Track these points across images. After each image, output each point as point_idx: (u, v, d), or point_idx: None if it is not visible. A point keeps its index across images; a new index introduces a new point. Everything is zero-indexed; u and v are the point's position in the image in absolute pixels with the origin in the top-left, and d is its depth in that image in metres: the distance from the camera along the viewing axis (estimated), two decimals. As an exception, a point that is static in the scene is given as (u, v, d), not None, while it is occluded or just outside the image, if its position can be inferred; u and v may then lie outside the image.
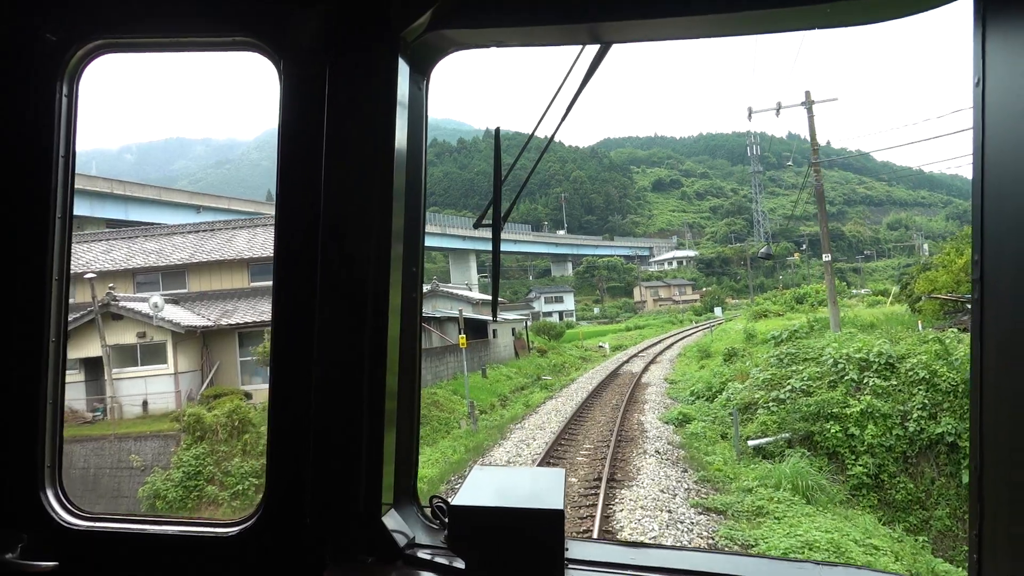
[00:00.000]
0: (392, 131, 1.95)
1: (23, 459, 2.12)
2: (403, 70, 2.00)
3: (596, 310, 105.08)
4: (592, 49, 1.97)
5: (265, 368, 23.64)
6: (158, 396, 23.91)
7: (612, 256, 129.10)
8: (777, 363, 20.61)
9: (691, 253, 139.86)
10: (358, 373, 1.95)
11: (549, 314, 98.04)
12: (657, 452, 15.90)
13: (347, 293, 1.96)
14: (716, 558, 1.97)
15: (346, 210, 1.97)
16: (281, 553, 2.01)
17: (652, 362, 37.87)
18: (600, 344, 50.10)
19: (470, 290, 48.41)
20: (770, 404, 18.68)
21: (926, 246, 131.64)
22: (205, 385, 25.18)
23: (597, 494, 12.33)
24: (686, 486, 13.16)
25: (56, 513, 2.13)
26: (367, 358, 1.95)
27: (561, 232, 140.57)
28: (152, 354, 24.50)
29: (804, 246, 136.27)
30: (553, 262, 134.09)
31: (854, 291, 72.54)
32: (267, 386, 2.12)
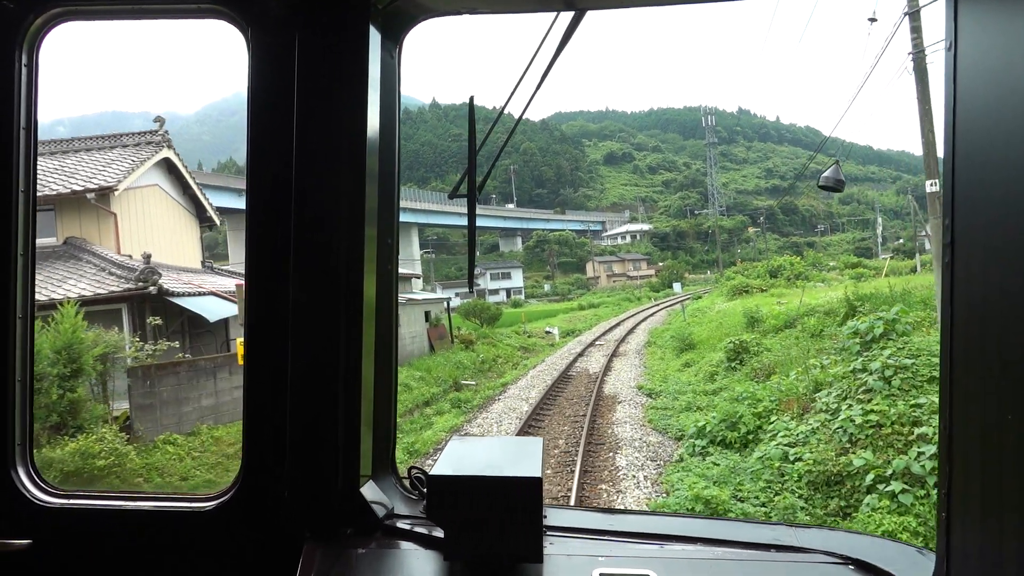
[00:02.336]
0: (364, 100, 1.88)
1: None
2: (374, 38, 1.93)
3: (547, 287, 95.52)
4: (566, 17, 1.87)
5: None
6: None
7: (563, 230, 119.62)
8: (882, 386, 10.20)
9: (645, 227, 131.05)
10: (334, 345, 1.89)
11: (496, 291, 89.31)
12: None
13: (321, 265, 1.89)
14: (692, 522, 2.00)
15: (318, 182, 1.89)
16: (259, 526, 1.98)
17: (615, 355, 27.53)
18: (548, 329, 39.39)
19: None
20: (892, 483, 8.34)
21: (880, 219, 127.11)
22: None
23: None
24: None
25: (28, 491, 2.07)
26: (343, 329, 1.90)
27: (510, 206, 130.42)
28: None
29: (761, 219, 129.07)
30: (501, 237, 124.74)
31: (831, 263, 63.50)
32: None
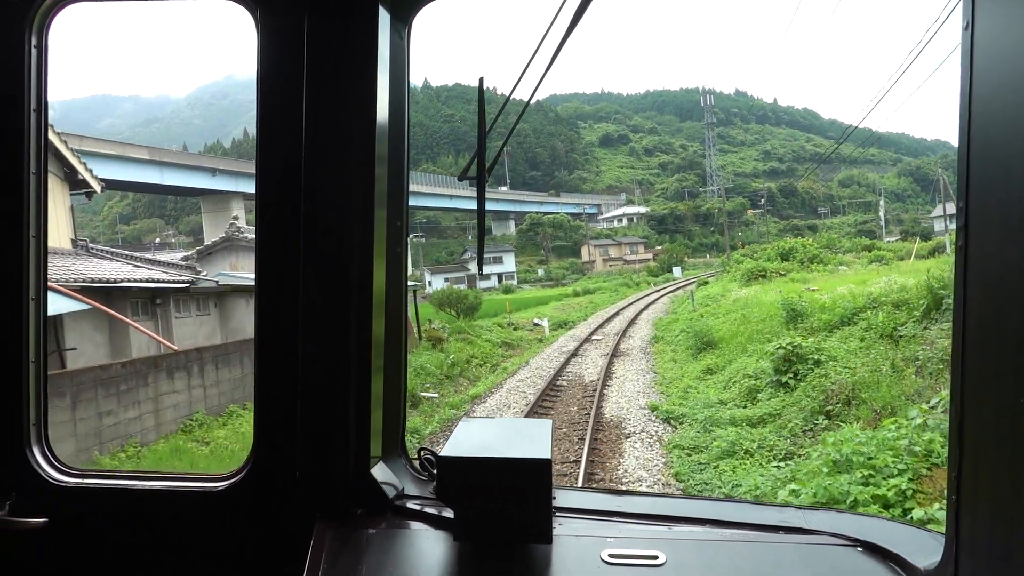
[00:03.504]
0: (373, 82, 1.86)
1: (8, 418, 2.06)
2: (383, 19, 1.89)
3: (540, 272, 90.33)
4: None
5: None
6: None
7: (558, 213, 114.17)
8: None
9: (642, 209, 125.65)
10: (344, 327, 1.89)
11: (487, 276, 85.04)
12: None
13: (332, 246, 1.88)
14: (700, 503, 1.98)
15: (329, 164, 1.88)
16: (271, 506, 1.97)
17: (615, 354, 22.24)
18: (536, 320, 33.63)
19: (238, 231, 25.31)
20: None
21: (882, 202, 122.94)
22: None
23: None
24: None
25: (44, 470, 2.07)
26: (353, 311, 1.89)
27: (503, 188, 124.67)
28: None
29: (762, 200, 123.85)
30: (494, 220, 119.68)
31: (847, 244, 58.10)
32: None
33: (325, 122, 1.85)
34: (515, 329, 31.94)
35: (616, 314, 36.72)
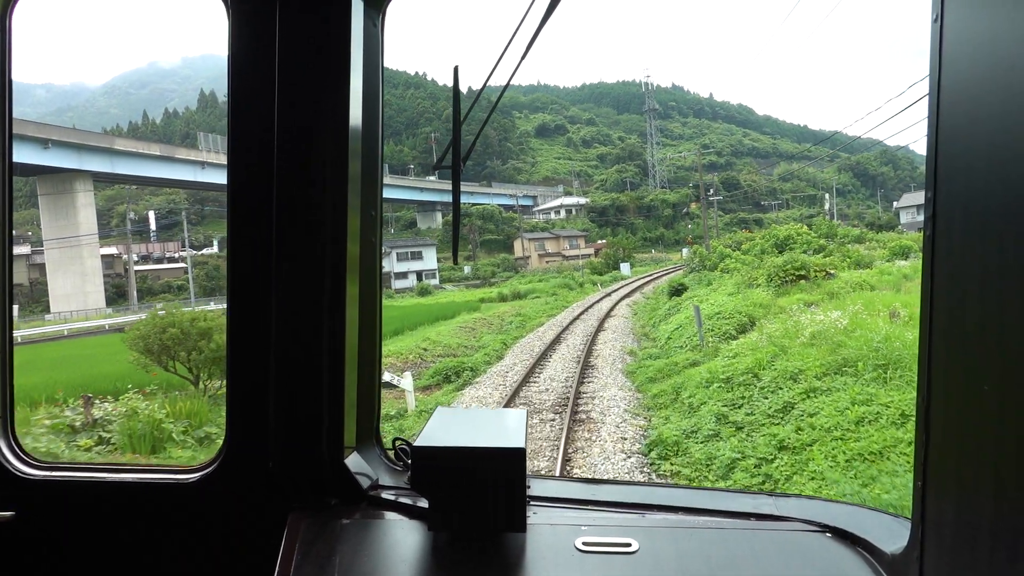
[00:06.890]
0: (347, 69, 1.80)
1: None
2: (357, 6, 1.83)
3: (467, 269, 74.39)
4: None
5: None
6: None
7: (488, 204, 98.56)
8: None
9: (582, 200, 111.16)
10: (317, 316, 1.84)
11: (403, 274, 68.93)
12: None
13: (305, 235, 1.82)
14: (673, 491, 1.96)
15: (301, 151, 1.82)
16: (244, 497, 1.92)
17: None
18: (392, 378, 14.87)
19: None
20: None
21: (828, 196, 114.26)
22: None
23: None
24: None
25: (9, 463, 2.00)
26: (326, 300, 1.83)
27: (431, 178, 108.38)
28: None
29: (712, 191, 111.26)
30: (419, 212, 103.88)
31: (855, 233, 43.96)
32: None
33: (298, 110, 1.78)
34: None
35: (556, 342, 20.90)
